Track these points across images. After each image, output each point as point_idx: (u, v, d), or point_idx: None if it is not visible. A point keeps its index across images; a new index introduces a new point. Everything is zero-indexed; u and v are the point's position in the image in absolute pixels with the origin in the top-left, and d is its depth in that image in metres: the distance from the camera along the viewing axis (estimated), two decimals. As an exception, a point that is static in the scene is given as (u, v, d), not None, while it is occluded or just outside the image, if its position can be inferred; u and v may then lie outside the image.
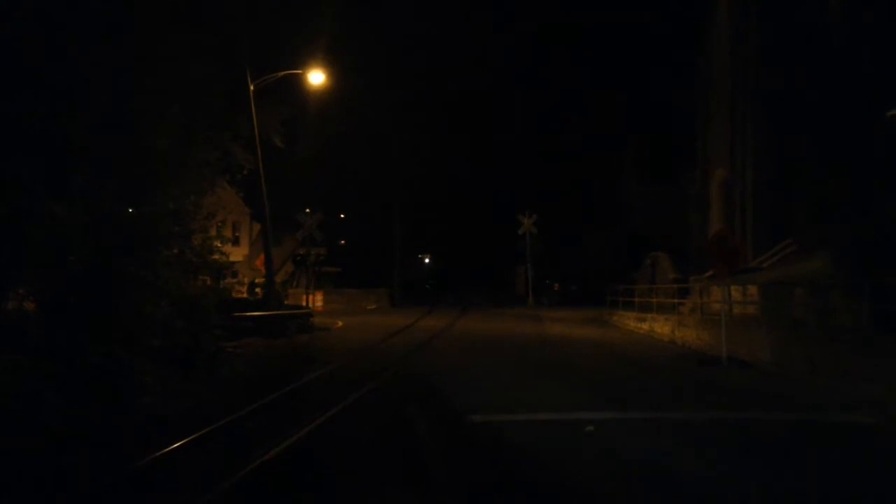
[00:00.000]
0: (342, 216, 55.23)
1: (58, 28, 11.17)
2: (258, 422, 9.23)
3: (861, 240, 14.95)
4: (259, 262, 29.14)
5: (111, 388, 10.15)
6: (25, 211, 10.73)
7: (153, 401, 10.38)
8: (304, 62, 23.70)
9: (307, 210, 39.69)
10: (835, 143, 19.59)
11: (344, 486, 6.79)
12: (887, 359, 10.76)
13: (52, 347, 10.26)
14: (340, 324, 27.53)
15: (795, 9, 21.88)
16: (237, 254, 37.99)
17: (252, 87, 22.36)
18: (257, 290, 29.33)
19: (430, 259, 72.65)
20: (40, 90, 11.02)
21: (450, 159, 55.47)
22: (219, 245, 15.05)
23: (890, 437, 8.81)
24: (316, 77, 23.74)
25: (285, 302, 29.27)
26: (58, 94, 11.17)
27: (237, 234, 41.31)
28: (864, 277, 13.09)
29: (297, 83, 24.42)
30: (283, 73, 23.17)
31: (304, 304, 30.43)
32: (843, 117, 19.17)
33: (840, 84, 19.33)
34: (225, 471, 6.65)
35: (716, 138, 28.53)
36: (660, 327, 23.06)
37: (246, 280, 30.49)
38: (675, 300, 24.34)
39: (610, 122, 47.96)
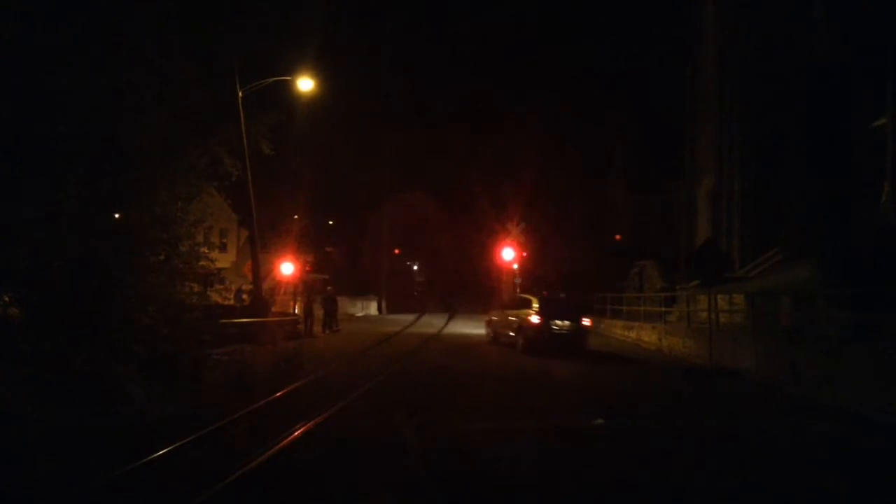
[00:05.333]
0: (331, 223, 55.10)
1: (48, 31, 11.14)
2: (243, 430, 9.17)
3: (845, 249, 15.07)
4: (246, 269, 28.94)
5: (95, 395, 10.07)
6: (11, 216, 10.66)
7: (137, 408, 10.29)
8: (293, 68, 23.66)
9: (295, 217, 39.63)
10: (820, 154, 19.76)
11: (327, 495, 6.78)
12: (865, 369, 10.83)
13: (36, 354, 10.17)
14: (326, 331, 27.44)
15: (781, 21, 22.08)
16: (224, 260, 37.72)
17: (241, 94, 22.29)
18: (244, 296, 29.15)
19: (419, 266, 72.54)
20: (27, 94, 10.97)
21: (437, 165, 55.54)
22: (206, 251, 14.98)
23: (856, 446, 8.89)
24: (305, 84, 23.69)
25: (272, 309, 29.13)
26: (45, 98, 11.12)
27: (224, 241, 41.08)
28: (847, 287, 13.18)
29: (286, 89, 24.37)
30: (271, 79, 23.11)
31: (291, 310, 30.30)
32: (829, 128, 19.35)
33: (825, 95, 19.52)
34: (206, 481, 6.60)
35: (703, 148, 28.70)
36: (647, 336, 23.13)
37: (233, 287, 30.25)
38: (663, 309, 24.43)
39: (597, 129, 48.10)
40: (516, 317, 21.87)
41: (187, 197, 14.72)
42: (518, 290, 32.56)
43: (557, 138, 51.94)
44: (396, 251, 65.61)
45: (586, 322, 21.37)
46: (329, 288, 28.86)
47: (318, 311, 29.05)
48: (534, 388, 13.82)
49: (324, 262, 48.34)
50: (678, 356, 18.90)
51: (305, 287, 32.98)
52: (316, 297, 28.35)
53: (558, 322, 20.54)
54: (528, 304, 21.55)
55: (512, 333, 21.96)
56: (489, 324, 25.24)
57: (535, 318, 20.55)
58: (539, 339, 20.21)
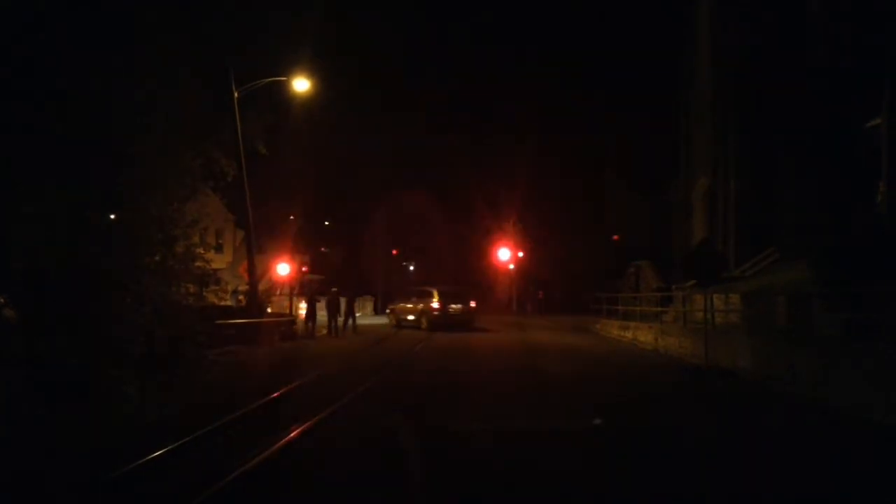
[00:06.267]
0: (326, 223, 55.06)
1: (45, 31, 11.12)
2: (239, 431, 9.16)
3: (841, 249, 15.08)
4: (242, 270, 28.91)
5: (90, 396, 10.05)
6: (5, 216, 10.64)
7: (132, 409, 10.28)
8: (289, 68, 23.60)
9: (291, 217, 39.63)
10: (816, 154, 19.79)
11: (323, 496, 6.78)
12: (862, 369, 10.85)
13: (32, 355, 10.14)
14: (324, 332, 27.40)
15: (777, 20, 22.10)
16: (220, 261, 37.73)
17: (236, 94, 22.25)
18: (240, 297, 29.10)
19: (415, 266, 72.53)
20: (22, 94, 10.95)
21: (435, 165, 55.57)
22: (202, 252, 14.95)
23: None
24: (301, 84, 23.66)
25: (269, 309, 29.07)
26: (41, 99, 11.09)
27: (220, 241, 41.09)
28: (843, 286, 13.20)
29: (283, 89, 24.33)
30: (267, 80, 23.07)
31: (287, 311, 30.26)
32: (824, 128, 19.37)
33: (820, 95, 19.54)
34: (201, 482, 6.59)
35: (699, 147, 28.72)
36: (643, 335, 23.14)
37: (229, 287, 30.21)
38: (659, 308, 24.45)
39: (594, 129, 48.16)
40: (421, 304, 28.35)
41: (183, 198, 14.70)
42: (514, 287, 33.84)
43: (554, 139, 51.90)
44: (394, 252, 65.59)
45: (473, 304, 29.38)
46: (334, 289, 28.52)
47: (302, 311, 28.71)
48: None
49: (320, 263, 48.31)
50: (674, 356, 18.89)
51: (307, 288, 32.88)
52: (319, 299, 27.91)
53: (453, 306, 27.87)
54: (430, 295, 27.90)
55: (413, 317, 28.60)
56: (392, 312, 31.39)
57: (436, 304, 27.02)
58: (440, 319, 26.31)
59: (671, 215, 34.22)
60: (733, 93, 24.22)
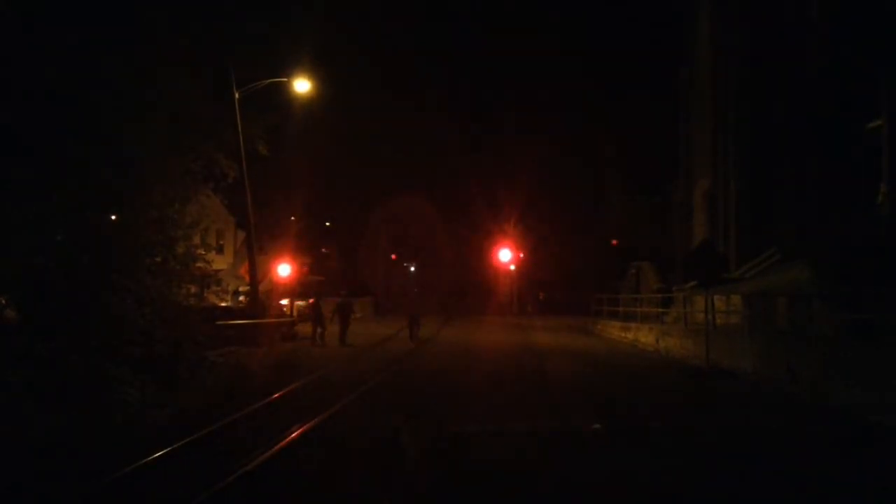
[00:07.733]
0: (327, 224, 55.05)
1: (45, 31, 11.13)
2: (239, 432, 9.17)
3: (841, 249, 15.09)
4: (243, 271, 28.87)
5: (91, 397, 10.04)
6: (6, 217, 10.64)
7: (133, 410, 10.27)
8: (290, 70, 23.57)
9: (292, 218, 39.64)
10: (816, 155, 19.79)
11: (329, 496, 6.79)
12: (860, 369, 10.84)
13: (32, 356, 10.13)
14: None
15: (777, 22, 22.10)
16: (221, 262, 37.66)
17: (237, 95, 22.21)
18: (241, 298, 29.08)
19: (415, 268, 72.50)
20: (26, 94, 10.95)
21: (435, 166, 55.61)
22: (203, 253, 14.93)
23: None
24: (301, 85, 23.61)
25: (269, 311, 28.99)
26: (43, 100, 11.10)
27: (221, 243, 40.98)
28: (843, 287, 13.20)
29: (283, 90, 24.30)
30: (268, 80, 23.04)
31: (287, 312, 30.23)
32: (825, 129, 19.37)
33: (821, 96, 19.54)
34: (200, 483, 6.59)
35: (699, 149, 28.71)
36: (644, 336, 23.13)
37: (230, 288, 30.12)
38: (659, 309, 24.42)
39: (595, 130, 48.16)
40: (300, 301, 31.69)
41: (184, 199, 14.69)
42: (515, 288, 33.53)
43: (555, 140, 51.91)
44: (393, 256, 65.54)
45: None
46: (342, 292, 27.94)
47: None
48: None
49: (320, 264, 48.27)
50: (676, 357, 18.88)
51: (316, 290, 32.75)
52: (325, 302, 26.93)
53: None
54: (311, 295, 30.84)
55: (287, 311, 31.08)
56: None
57: (311, 300, 28.63)
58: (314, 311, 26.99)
59: (671, 216, 34.21)
60: (733, 94, 24.22)
